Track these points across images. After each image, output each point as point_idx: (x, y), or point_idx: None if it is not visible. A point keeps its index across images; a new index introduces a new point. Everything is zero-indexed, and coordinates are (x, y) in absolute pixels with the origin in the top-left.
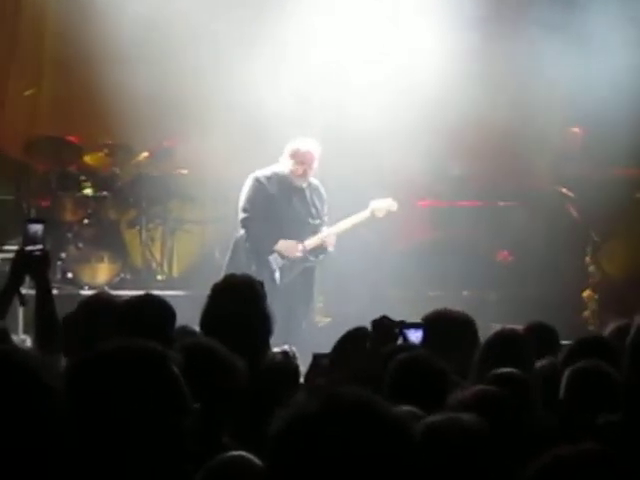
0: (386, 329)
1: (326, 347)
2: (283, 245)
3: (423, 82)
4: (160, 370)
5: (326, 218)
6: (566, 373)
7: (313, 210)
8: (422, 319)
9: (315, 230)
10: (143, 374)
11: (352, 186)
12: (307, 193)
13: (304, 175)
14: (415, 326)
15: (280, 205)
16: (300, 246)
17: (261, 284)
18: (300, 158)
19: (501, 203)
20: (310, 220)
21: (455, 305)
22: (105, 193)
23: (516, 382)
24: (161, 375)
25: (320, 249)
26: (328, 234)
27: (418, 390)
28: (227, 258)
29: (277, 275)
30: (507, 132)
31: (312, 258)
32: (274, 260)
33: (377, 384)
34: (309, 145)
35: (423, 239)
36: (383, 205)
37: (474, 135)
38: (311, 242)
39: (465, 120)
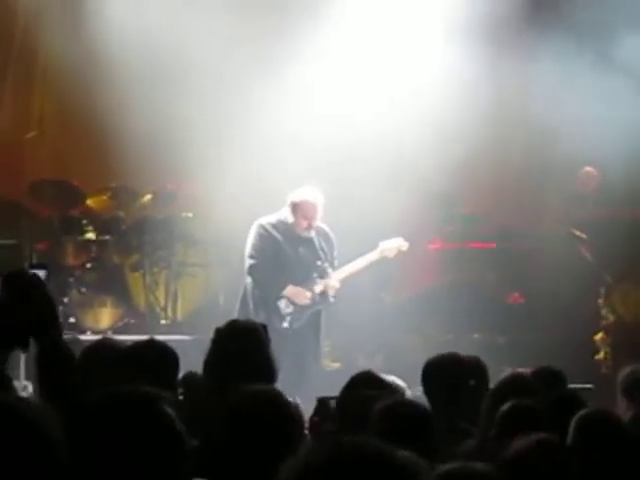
0: None
1: (335, 393)
2: (292, 291)
3: (432, 118)
4: (152, 413)
5: (336, 262)
6: (574, 419)
7: (321, 254)
8: (426, 365)
9: (323, 273)
10: (135, 418)
11: (360, 229)
12: (315, 240)
13: (309, 228)
14: None
15: (287, 252)
16: (309, 293)
17: (265, 328)
18: (303, 212)
19: (512, 244)
20: (318, 263)
21: (466, 349)
22: (108, 237)
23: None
24: (154, 418)
25: (329, 293)
26: (335, 278)
27: (404, 436)
28: (237, 306)
29: (287, 321)
30: (519, 171)
31: (321, 302)
32: (283, 306)
33: None
34: (310, 197)
35: (433, 282)
36: (393, 245)
37: (485, 174)
38: (319, 287)
39: (476, 158)
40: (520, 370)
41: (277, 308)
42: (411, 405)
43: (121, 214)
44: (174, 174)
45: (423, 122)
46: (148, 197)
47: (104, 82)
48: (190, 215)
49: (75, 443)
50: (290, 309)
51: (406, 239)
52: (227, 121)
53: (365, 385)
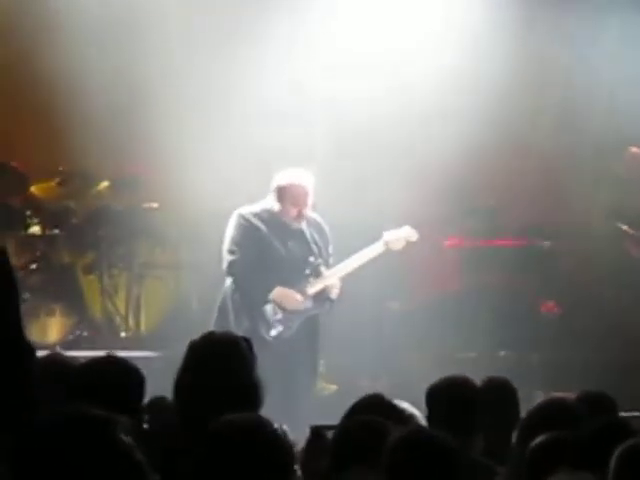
0: None
1: (331, 420)
2: (280, 294)
3: (447, 92)
4: (106, 439)
5: (331, 260)
6: (616, 452)
7: (314, 247)
8: (429, 389)
9: (317, 271)
10: (87, 445)
11: (362, 222)
12: (306, 232)
13: (299, 216)
14: None
15: (274, 246)
16: (300, 296)
17: (248, 342)
18: (291, 198)
19: (546, 242)
20: (311, 259)
21: (490, 368)
22: (57, 231)
23: None
24: (107, 444)
25: (324, 295)
26: (331, 277)
27: (422, 474)
28: (214, 315)
29: (275, 330)
30: (553, 153)
31: (315, 306)
32: (271, 312)
33: None
34: (299, 179)
35: (449, 286)
36: (400, 235)
37: (511, 157)
38: (313, 288)
39: (500, 138)
40: (558, 395)
41: (263, 314)
42: (433, 436)
43: (72, 204)
44: (136, 156)
45: (439, 100)
46: (105, 184)
47: (52, 47)
48: (155, 206)
49: (20, 472)
50: (279, 315)
51: (417, 234)
52: (202, 95)
53: (373, 412)
